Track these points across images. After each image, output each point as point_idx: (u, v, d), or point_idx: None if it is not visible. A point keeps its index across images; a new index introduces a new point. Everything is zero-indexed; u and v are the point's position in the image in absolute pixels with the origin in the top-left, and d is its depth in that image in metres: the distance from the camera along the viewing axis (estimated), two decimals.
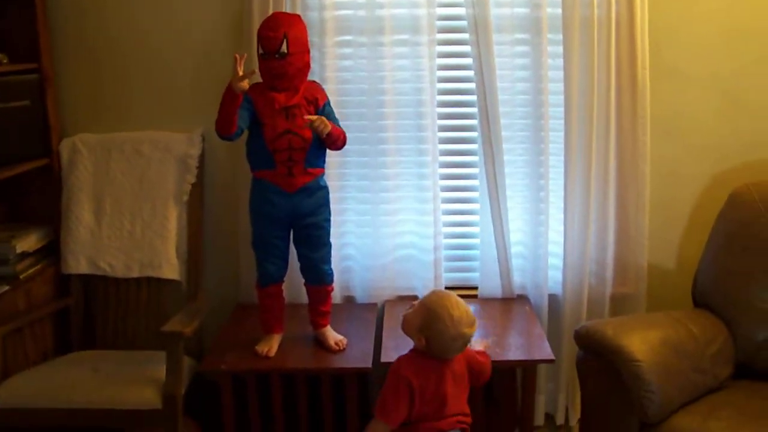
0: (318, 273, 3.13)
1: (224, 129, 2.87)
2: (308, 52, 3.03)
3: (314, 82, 3.14)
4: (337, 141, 3.02)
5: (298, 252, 3.14)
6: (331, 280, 3.18)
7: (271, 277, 3.10)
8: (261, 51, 2.91)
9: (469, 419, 2.74)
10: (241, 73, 2.75)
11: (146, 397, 2.92)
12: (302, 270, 3.17)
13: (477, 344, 2.92)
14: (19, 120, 3.24)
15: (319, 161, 3.06)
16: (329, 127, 2.92)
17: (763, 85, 3.43)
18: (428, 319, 2.61)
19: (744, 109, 3.45)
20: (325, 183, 3.11)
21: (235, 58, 2.77)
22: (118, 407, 2.91)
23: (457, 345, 2.63)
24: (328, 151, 3.10)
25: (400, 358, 2.71)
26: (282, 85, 2.95)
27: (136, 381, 2.99)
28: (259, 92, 2.95)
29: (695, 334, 2.92)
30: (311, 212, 3.05)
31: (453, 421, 2.68)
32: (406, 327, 2.69)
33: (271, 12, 3.16)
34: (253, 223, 3.10)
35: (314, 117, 2.89)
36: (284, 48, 2.88)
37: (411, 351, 2.72)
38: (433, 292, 2.74)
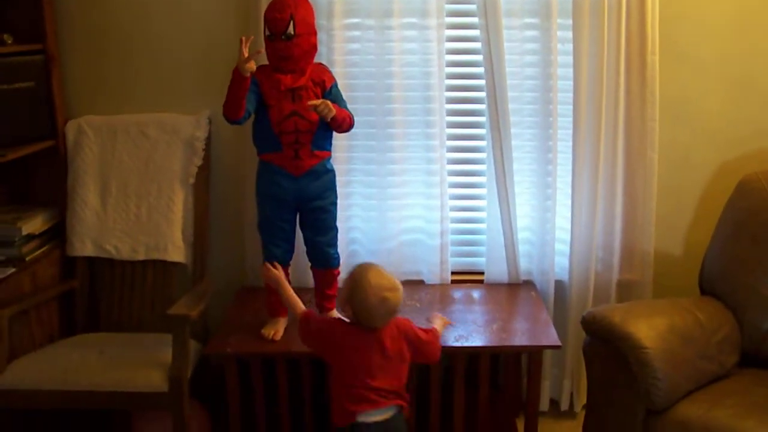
0: (324, 256, 3.12)
1: (232, 113, 2.85)
2: (315, 33, 3.01)
3: (321, 64, 3.12)
4: (343, 124, 3.00)
5: (304, 235, 3.13)
6: (338, 264, 3.17)
7: (277, 260, 3.08)
8: (267, 32, 2.90)
9: (402, 399, 2.70)
10: (246, 55, 2.73)
11: (152, 379, 2.93)
12: (308, 254, 3.16)
13: (436, 319, 2.94)
14: (24, 101, 3.23)
15: (326, 144, 3.05)
16: (333, 111, 2.89)
17: None
18: (351, 289, 2.64)
19: (754, 96, 3.43)
20: (332, 166, 3.09)
21: (241, 40, 2.75)
22: (124, 390, 2.91)
23: (380, 312, 2.63)
24: (335, 134, 3.08)
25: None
26: (288, 67, 2.93)
27: (141, 364, 2.99)
28: (265, 74, 2.94)
29: (702, 322, 2.93)
30: (318, 195, 3.04)
31: (381, 394, 2.64)
32: (336, 301, 2.72)
33: None
34: (260, 206, 3.08)
35: (318, 101, 2.86)
36: (291, 29, 2.86)
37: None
38: (358, 265, 2.75)
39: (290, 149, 2.95)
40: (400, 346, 2.69)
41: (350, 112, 3.04)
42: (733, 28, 3.37)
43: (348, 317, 2.70)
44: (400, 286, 2.68)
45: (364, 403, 2.62)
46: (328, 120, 2.91)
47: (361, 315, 2.64)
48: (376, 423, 2.63)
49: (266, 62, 2.98)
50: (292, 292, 2.87)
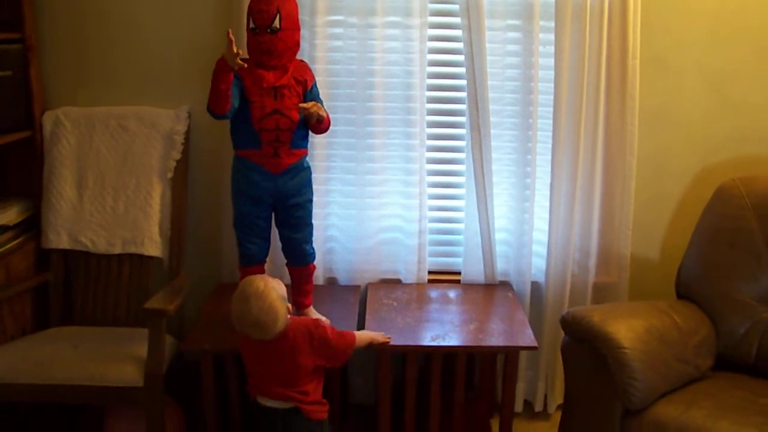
0: (300, 253, 3.11)
1: (219, 106, 2.81)
2: (299, 30, 2.99)
3: (302, 61, 3.10)
4: (323, 125, 3.00)
5: (280, 233, 3.11)
6: (313, 259, 3.15)
7: (253, 257, 3.07)
8: (252, 25, 2.86)
9: (303, 398, 2.74)
10: (236, 50, 2.68)
11: (128, 374, 2.90)
12: (284, 251, 3.15)
13: (376, 334, 2.98)
14: (1, 91, 3.18)
15: (304, 142, 3.03)
16: (324, 114, 2.89)
17: (752, 80, 3.46)
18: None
19: (733, 104, 3.47)
20: (308, 164, 3.08)
21: (229, 33, 2.69)
22: (99, 384, 2.88)
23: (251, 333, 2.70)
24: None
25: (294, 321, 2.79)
26: (271, 62, 2.90)
27: (116, 358, 2.96)
28: (246, 70, 2.88)
29: (679, 325, 2.95)
30: (294, 193, 3.02)
31: (278, 394, 2.73)
32: None
33: None
34: (235, 203, 3.06)
35: (309, 104, 2.86)
36: (277, 23, 2.84)
37: None
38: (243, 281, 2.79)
39: (270, 147, 2.93)
40: (295, 352, 2.72)
41: (327, 113, 3.04)
42: (714, 37, 3.41)
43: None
44: (256, 293, 2.67)
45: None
46: (313, 122, 2.90)
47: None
48: (272, 408, 2.74)
49: (247, 56, 2.95)
50: None
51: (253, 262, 3.08)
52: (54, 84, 3.45)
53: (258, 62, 2.91)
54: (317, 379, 2.79)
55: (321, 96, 3.08)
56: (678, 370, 2.86)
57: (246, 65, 2.78)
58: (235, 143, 3.02)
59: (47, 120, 3.38)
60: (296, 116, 2.91)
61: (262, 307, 2.65)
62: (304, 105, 2.86)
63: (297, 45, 2.99)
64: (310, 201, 3.10)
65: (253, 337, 2.70)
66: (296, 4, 2.98)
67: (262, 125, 2.90)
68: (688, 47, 3.42)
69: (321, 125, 2.99)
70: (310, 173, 3.08)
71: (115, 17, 3.40)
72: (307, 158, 3.07)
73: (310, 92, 2.98)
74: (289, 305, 2.75)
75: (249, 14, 2.88)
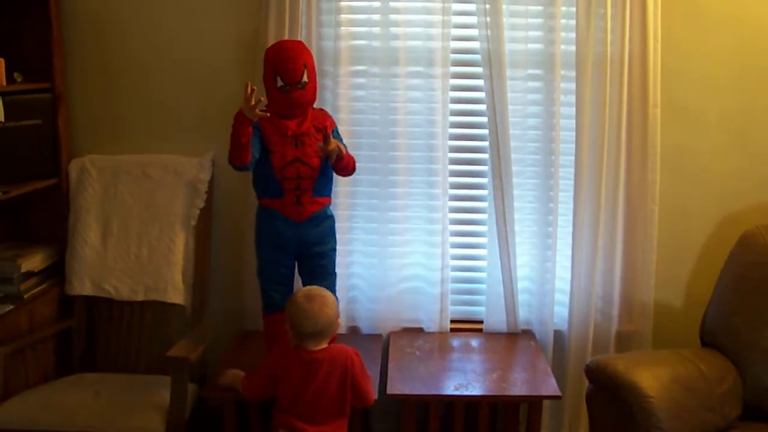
0: None
1: (239, 159, 2.84)
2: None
3: (321, 109, 3.14)
4: (348, 167, 3.02)
5: (303, 281, 3.12)
6: None
7: (276, 305, 3.07)
8: (281, 84, 2.88)
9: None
10: (253, 102, 2.71)
11: (150, 422, 2.89)
12: None
13: None
14: (30, 139, 3.24)
15: (327, 190, 3.05)
16: (344, 150, 2.91)
17: None
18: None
19: (755, 150, 3.47)
20: (332, 212, 3.10)
21: (247, 85, 2.71)
22: None
23: (304, 322, 2.76)
24: (338, 180, 3.09)
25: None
26: (299, 113, 2.94)
27: (139, 406, 2.96)
28: (267, 120, 2.90)
29: (704, 373, 2.92)
30: (318, 241, 3.04)
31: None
32: None
33: (285, 38, 3.17)
34: (259, 251, 3.08)
35: (330, 142, 2.88)
36: (305, 77, 2.89)
37: None
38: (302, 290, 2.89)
39: (292, 195, 2.95)
40: (331, 375, 2.75)
41: (352, 156, 3.06)
42: (734, 83, 3.42)
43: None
44: (320, 295, 2.78)
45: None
46: (333, 160, 2.91)
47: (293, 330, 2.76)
48: None
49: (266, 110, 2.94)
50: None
51: (276, 309, 3.07)
52: (80, 132, 3.50)
53: (281, 114, 2.94)
54: (341, 417, 2.78)
55: (344, 142, 3.10)
56: (704, 419, 2.82)
57: (268, 114, 2.81)
58: (258, 192, 3.05)
59: (73, 168, 3.43)
60: (317, 163, 2.93)
61: (323, 308, 2.74)
62: (324, 145, 2.88)
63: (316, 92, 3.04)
64: (334, 250, 3.11)
65: (305, 343, 2.73)
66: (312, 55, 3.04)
67: (283, 174, 2.93)
68: (708, 94, 3.43)
69: (348, 167, 3.00)
70: (334, 222, 3.10)
71: (139, 68, 3.47)
72: (331, 207, 3.08)
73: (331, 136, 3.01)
74: (339, 320, 2.84)
75: (274, 73, 2.90)
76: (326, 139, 2.89)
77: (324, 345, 2.77)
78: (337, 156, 2.91)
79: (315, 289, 2.85)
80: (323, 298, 2.79)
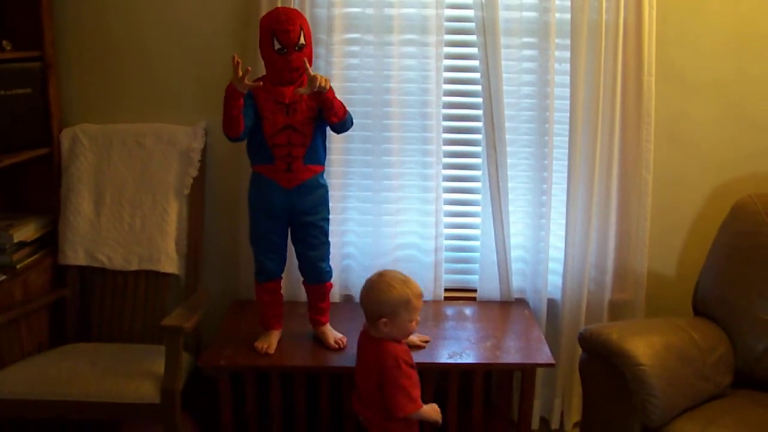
0: (316, 271, 3.11)
1: (232, 130, 2.84)
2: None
3: None
4: (339, 111, 2.94)
5: (296, 250, 3.12)
6: (330, 278, 3.15)
7: (269, 273, 3.08)
8: (278, 46, 2.86)
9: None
10: (241, 74, 2.71)
11: (144, 391, 2.89)
12: (300, 268, 3.15)
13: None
14: (20, 108, 3.20)
15: (320, 158, 3.03)
16: (328, 83, 2.86)
17: None
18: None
19: (749, 119, 3.47)
20: (325, 181, 3.08)
21: (234, 59, 2.71)
22: (116, 401, 2.87)
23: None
24: (330, 148, 3.06)
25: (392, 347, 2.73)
26: (295, 77, 2.92)
27: (133, 374, 2.96)
28: (262, 88, 2.90)
29: (697, 341, 2.94)
30: (309, 210, 3.03)
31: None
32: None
33: (279, 5, 3.14)
34: (252, 219, 3.07)
35: (313, 77, 2.82)
36: (302, 40, 2.87)
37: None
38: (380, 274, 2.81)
39: (282, 162, 2.94)
40: (370, 370, 2.73)
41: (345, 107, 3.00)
42: (730, 52, 3.40)
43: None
44: (380, 286, 2.72)
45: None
46: (324, 93, 2.85)
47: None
48: None
49: (256, 75, 2.94)
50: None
51: (269, 278, 3.09)
52: (72, 101, 3.47)
53: (277, 81, 2.92)
54: (382, 411, 2.74)
55: None
56: (697, 387, 2.84)
57: (261, 84, 2.81)
58: (251, 159, 3.04)
59: (65, 137, 3.40)
60: (308, 131, 2.93)
61: (371, 291, 2.73)
62: (305, 86, 2.85)
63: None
64: (326, 220, 3.10)
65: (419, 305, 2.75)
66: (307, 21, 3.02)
67: (274, 141, 2.92)
68: (702, 63, 3.41)
69: (339, 112, 2.94)
70: (327, 191, 3.08)
71: (132, 36, 3.43)
72: (324, 175, 3.07)
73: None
74: (387, 309, 2.75)
75: (271, 36, 2.87)
76: (307, 75, 2.84)
77: (372, 328, 2.73)
78: (319, 90, 2.83)
79: (385, 272, 2.78)
80: (380, 283, 2.71)
